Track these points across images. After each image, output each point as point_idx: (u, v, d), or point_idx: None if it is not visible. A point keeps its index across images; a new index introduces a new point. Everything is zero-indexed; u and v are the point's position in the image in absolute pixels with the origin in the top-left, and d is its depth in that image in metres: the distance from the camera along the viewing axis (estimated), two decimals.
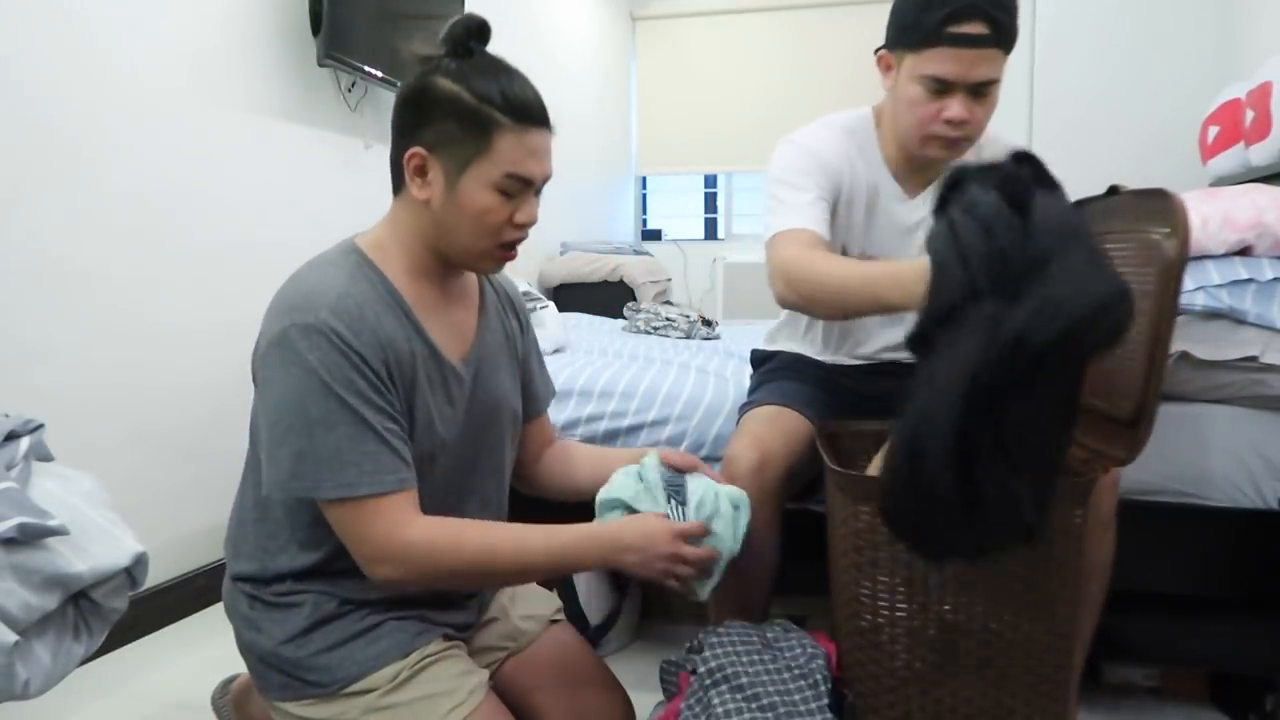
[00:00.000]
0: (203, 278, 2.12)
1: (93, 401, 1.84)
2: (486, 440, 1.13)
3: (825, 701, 1.11)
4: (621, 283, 4.21)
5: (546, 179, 1.03)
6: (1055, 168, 1.47)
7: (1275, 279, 1.37)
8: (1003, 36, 1.26)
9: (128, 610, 1.07)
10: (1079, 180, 1.50)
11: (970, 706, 1.13)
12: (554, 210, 4.49)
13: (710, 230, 5.90)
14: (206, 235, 2.14)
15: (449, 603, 1.11)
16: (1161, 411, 1.08)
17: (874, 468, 1.38)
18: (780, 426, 1.42)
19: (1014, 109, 3.80)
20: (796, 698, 1.11)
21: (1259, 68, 2.69)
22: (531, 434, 1.26)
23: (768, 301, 1.33)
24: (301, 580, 1.02)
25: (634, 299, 4.02)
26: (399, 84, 2.27)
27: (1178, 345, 1.38)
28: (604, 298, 4.04)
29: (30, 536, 0.92)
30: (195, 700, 1.50)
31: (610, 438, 1.75)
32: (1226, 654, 1.52)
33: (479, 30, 1.00)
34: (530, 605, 1.23)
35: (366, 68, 2.57)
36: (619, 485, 1.12)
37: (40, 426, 1.14)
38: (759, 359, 1.75)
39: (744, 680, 1.13)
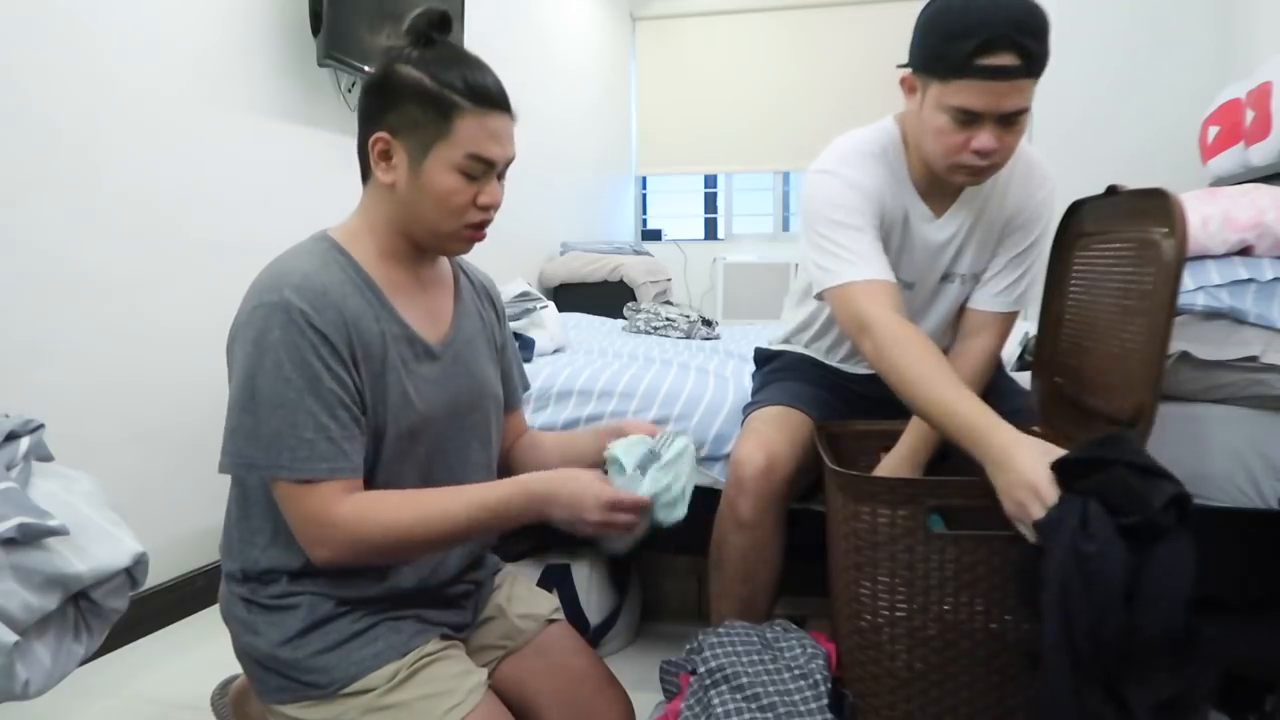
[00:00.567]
0: (203, 278, 2.12)
1: (93, 401, 1.84)
2: (472, 421, 1.13)
3: (825, 702, 1.11)
4: (621, 283, 4.21)
5: (509, 161, 1.05)
6: (1055, 168, 1.47)
7: (1276, 279, 1.37)
8: (1034, 66, 1.20)
9: (128, 610, 1.07)
10: (1079, 180, 1.50)
11: (970, 706, 1.13)
12: (554, 210, 4.50)
13: (710, 230, 5.89)
14: (206, 235, 2.14)
15: (446, 602, 1.12)
16: (1161, 411, 1.08)
17: (880, 468, 1.38)
18: (787, 428, 1.42)
19: None
20: (796, 698, 1.11)
21: (1259, 68, 2.69)
22: (508, 425, 1.27)
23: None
24: (297, 581, 1.02)
25: (634, 299, 4.02)
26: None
27: (1178, 345, 1.37)
28: (604, 298, 4.04)
29: (30, 536, 0.92)
30: (195, 700, 1.50)
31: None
32: (1226, 654, 1.52)
33: (440, 21, 1.03)
34: (528, 604, 1.23)
35: (366, 68, 2.56)
36: (620, 448, 1.07)
37: (40, 426, 1.14)
38: (763, 357, 1.74)
39: (744, 680, 1.13)
